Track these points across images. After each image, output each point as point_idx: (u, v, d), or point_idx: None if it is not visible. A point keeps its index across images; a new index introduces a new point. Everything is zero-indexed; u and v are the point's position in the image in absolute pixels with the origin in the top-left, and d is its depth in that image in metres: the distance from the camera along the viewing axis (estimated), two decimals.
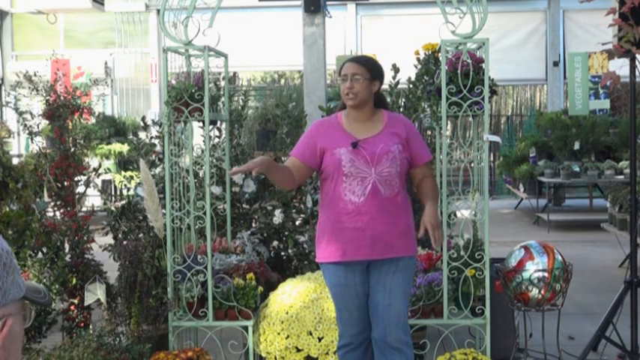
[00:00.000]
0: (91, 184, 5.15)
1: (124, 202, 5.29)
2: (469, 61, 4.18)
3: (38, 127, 5.05)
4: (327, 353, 4.12)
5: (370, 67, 3.60)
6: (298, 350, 4.18)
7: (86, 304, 4.67)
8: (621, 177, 10.50)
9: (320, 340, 4.16)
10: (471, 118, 4.37)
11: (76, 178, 5.05)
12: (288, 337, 4.19)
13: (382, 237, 3.50)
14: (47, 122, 5.07)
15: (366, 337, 3.61)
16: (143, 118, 5.89)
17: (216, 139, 5.26)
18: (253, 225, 5.40)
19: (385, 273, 3.53)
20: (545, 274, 4.16)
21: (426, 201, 3.60)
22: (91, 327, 4.62)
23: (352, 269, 3.54)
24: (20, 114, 5.01)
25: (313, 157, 3.58)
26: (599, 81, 11.01)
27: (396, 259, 3.53)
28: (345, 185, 3.51)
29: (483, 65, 4.24)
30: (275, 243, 5.39)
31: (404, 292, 3.55)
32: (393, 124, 3.62)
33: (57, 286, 4.60)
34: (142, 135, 5.89)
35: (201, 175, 4.87)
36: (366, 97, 3.58)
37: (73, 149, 5.03)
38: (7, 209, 4.71)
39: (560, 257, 4.24)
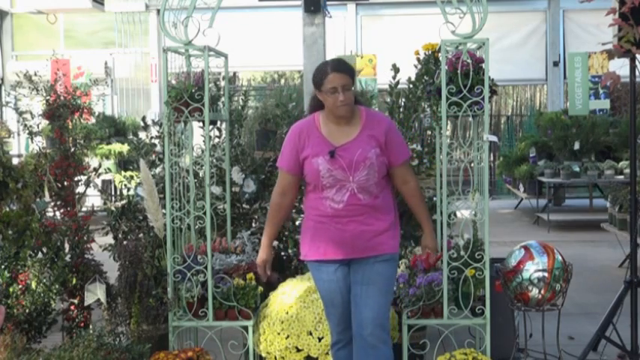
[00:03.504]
0: (91, 184, 5.15)
1: (124, 202, 5.29)
2: (469, 61, 4.18)
3: (38, 127, 5.05)
4: (327, 353, 4.12)
5: (352, 74, 3.60)
6: (298, 350, 4.18)
7: (86, 304, 4.66)
8: (621, 177, 10.50)
9: (320, 340, 4.16)
10: (470, 118, 4.37)
11: (76, 178, 5.05)
12: (288, 337, 4.19)
13: (363, 237, 3.56)
14: (47, 122, 5.07)
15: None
16: (143, 118, 5.89)
17: (216, 139, 5.25)
18: (253, 225, 5.39)
19: (364, 267, 3.58)
20: (545, 274, 4.16)
21: (421, 221, 3.78)
22: (91, 327, 4.62)
23: (334, 265, 3.61)
24: (20, 114, 5.01)
25: (299, 167, 3.64)
26: (599, 81, 11.01)
27: (375, 255, 3.58)
28: (325, 193, 3.57)
29: (483, 65, 4.24)
30: (275, 243, 5.39)
31: (383, 286, 3.59)
32: (371, 125, 3.62)
33: (57, 286, 4.59)
34: (142, 135, 5.88)
35: (201, 175, 4.87)
36: (353, 103, 3.61)
37: (73, 149, 5.03)
38: (7, 209, 4.71)
39: (560, 257, 4.24)
